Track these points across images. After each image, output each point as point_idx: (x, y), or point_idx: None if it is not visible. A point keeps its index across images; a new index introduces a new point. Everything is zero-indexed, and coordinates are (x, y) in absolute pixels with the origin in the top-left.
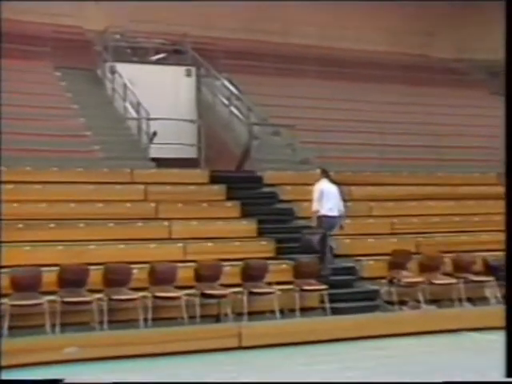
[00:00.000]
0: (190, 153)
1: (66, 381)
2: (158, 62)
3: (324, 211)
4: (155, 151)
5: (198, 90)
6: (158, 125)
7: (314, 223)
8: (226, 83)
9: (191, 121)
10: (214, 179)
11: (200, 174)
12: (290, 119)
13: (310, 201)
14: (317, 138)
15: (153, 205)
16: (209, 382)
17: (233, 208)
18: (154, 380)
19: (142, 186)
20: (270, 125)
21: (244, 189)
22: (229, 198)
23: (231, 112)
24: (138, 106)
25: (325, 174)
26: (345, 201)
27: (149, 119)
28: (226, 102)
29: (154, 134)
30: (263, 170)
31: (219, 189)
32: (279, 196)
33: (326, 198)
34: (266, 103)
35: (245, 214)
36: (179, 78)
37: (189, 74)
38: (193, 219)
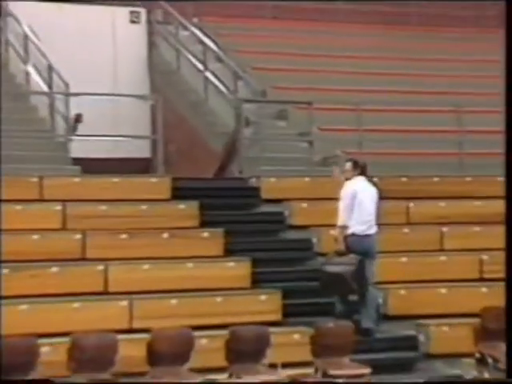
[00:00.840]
0: (140, 150)
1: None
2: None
3: (355, 227)
4: (80, 148)
5: (152, 45)
6: (84, 104)
7: (339, 246)
8: (198, 34)
9: (140, 97)
10: (180, 192)
11: (156, 185)
12: (303, 92)
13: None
14: (348, 123)
15: (77, 237)
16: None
17: (212, 240)
18: None
19: (58, 206)
20: (270, 101)
21: (229, 208)
22: (205, 224)
23: (207, 81)
24: (49, 73)
25: (359, 168)
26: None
27: (68, 95)
28: (199, 64)
29: (78, 119)
30: (260, 175)
31: (188, 208)
32: (287, 219)
33: (360, 207)
34: (264, 66)
35: (231, 250)
36: (119, 25)
37: (135, 20)
38: (144, 260)
